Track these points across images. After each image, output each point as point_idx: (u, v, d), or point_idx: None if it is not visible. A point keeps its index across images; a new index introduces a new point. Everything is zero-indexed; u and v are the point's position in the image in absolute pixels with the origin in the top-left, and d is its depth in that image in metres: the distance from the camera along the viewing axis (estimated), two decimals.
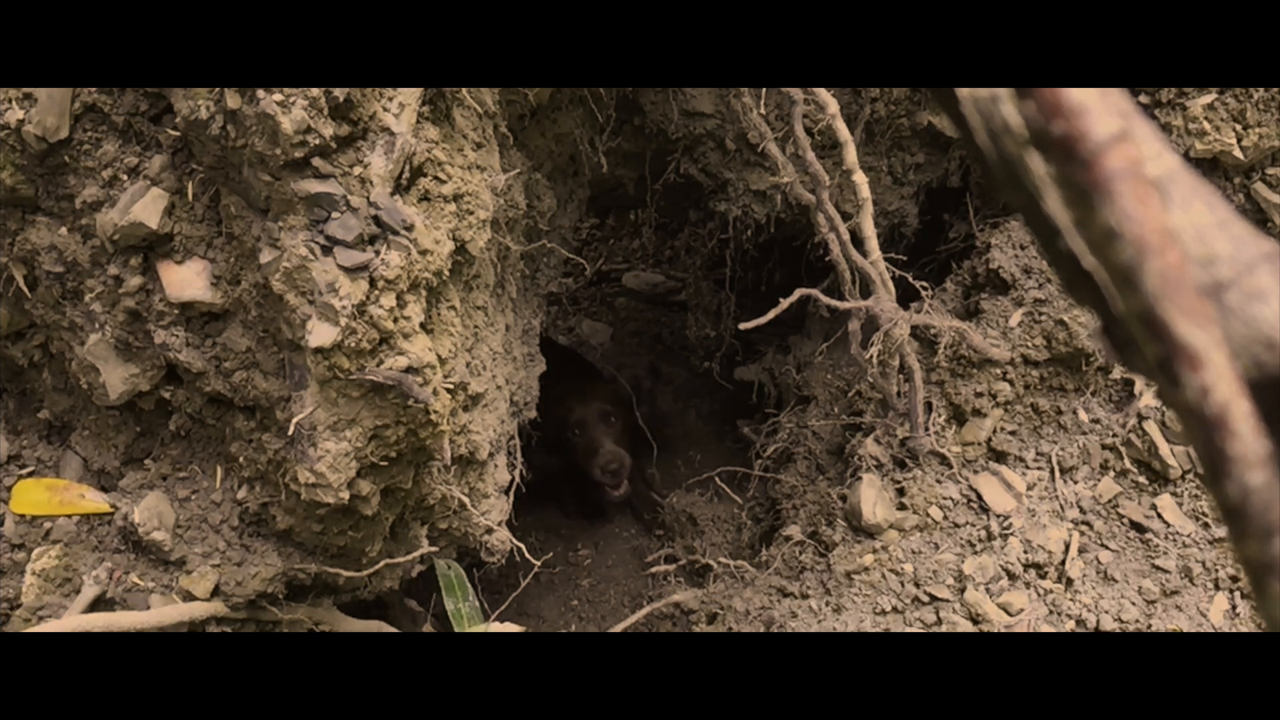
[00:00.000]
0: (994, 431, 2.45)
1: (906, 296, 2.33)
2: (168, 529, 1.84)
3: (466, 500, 1.95)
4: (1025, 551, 2.29)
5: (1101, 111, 0.43)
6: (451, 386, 1.74)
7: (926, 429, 2.42)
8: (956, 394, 2.44)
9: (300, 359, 1.58)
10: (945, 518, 2.37)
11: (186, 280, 1.66)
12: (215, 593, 1.85)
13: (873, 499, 2.39)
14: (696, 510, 3.04)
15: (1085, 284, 0.49)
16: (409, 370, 1.58)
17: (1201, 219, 0.48)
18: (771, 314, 2.18)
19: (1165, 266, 0.42)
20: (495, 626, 2.16)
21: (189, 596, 1.84)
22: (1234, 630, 2.19)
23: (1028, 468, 2.43)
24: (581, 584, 3.02)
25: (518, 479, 2.22)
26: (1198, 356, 0.42)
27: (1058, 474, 2.41)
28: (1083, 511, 2.37)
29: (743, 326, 2.22)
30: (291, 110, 1.41)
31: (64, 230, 1.67)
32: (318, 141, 1.44)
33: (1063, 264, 0.50)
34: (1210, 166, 2.37)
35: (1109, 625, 2.18)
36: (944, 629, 2.20)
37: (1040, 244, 0.51)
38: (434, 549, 2.01)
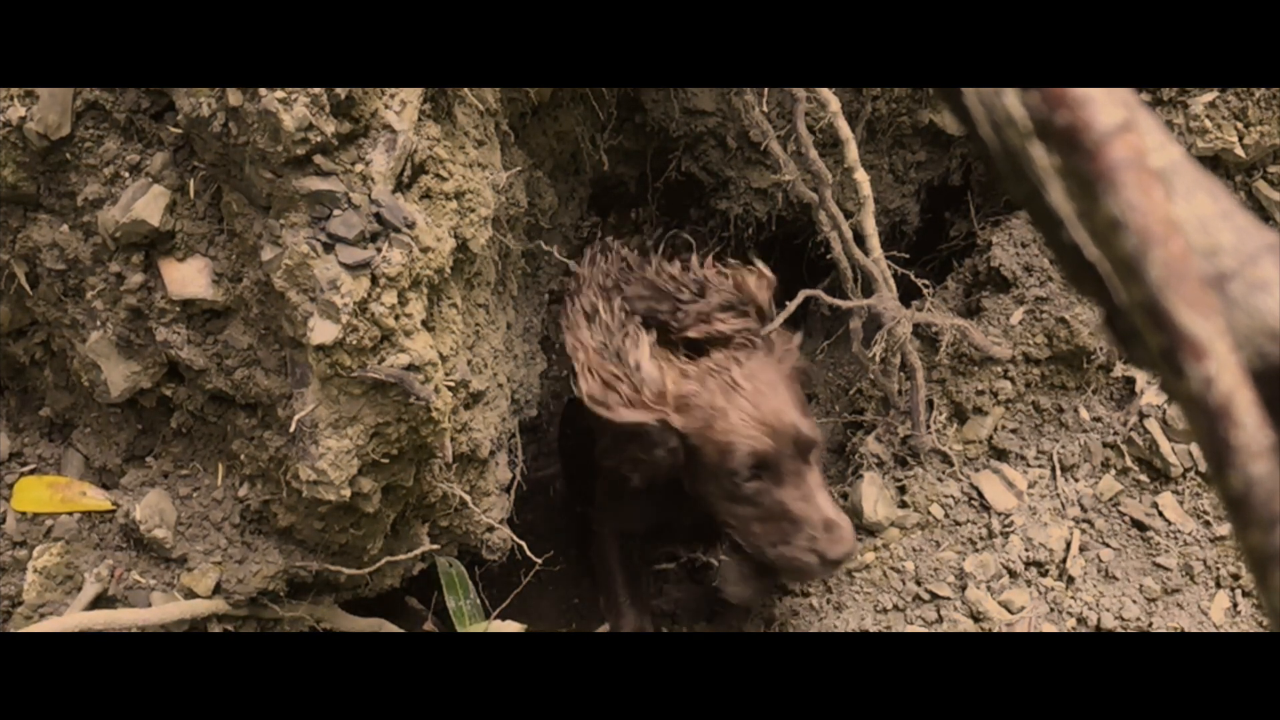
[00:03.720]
0: (995, 429, 2.45)
1: (908, 294, 2.33)
2: (169, 526, 1.84)
3: (468, 498, 1.95)
4: (1026, 549, 2.30)
5: (1105, 102, 0.43)
6: (453, 384, 1.74)
7: (928, 427, 2.42)
8: (958, 392, 2.44)
9: (302, 356, 1.58)
10: (946, 516, 2.37)
11: (188, 278, 1.66)
12: (216, 590, 1.85)
13: (874, 497, 2.39)
14: None
15: (1089, 276, 0.49)
16: (410, 368, 1.58)
17: (1205, 210, 0.48)
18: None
19: (1169, 257, 0.42)
20: (496, 625, 2.17)
21: (190, 594, 1.84)
22: (1235, 627, 2.19)
23: (1029, 466, 2.43)
24: (583, 582, 3.02)
25: (518, 476, 2.23)
26: (1201, 347, 0.42)
27: (1059, 472, 2.41)
28: (1084, 509, 2.37)
29: None
30: (293, 107, 1.41)
31: (65, 228, 1.67)
32: (319, 139, 1.44)
33: (1066, 256, 0.50)
34: (1212, 164, 2.37)
35: (1110, 623, 2.18)
36: (945, 627, 2.20)
37: (1044, 236, 0.51)
38: (435, 547, 2.01)
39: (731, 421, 1.81)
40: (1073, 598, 2.23)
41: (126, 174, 1.61)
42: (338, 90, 1.43)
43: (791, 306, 2.18)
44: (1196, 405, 0.43)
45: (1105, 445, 2.41)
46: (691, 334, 1.99)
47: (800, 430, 1.81)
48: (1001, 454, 2.44)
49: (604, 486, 2.27)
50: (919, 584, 2.27)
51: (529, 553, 2.07)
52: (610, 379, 1.91)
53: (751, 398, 1.83)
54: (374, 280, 1.51)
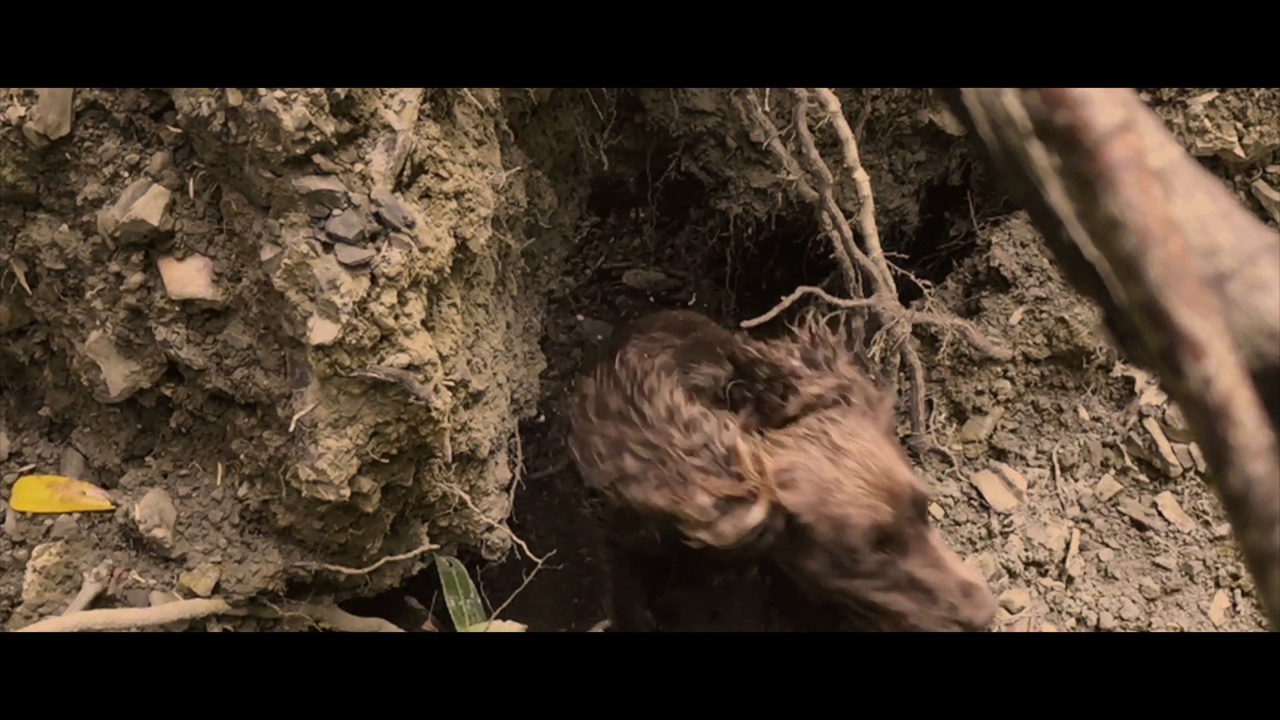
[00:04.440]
0: (995, 429, 2.45)
1: (907, 294, 2.33)
2: (168, 526, 1.84)
3: (467, 498, 1.95)
4: (1026, 549, 2.29)
5: (1104, 102, 0.43)
6: (452, 384, 1.74)
7: (927, 427, 2.42)
8: (957, 392, 2.44)
9: (301, 356, 1.58)
10: (946, 515, 2.37)
11: (188, 277, 1.66)
12: (216, 590, 1.85)
13: None
14: None
15: (1088, 276, 0.49)
16: (410, 367, 1.58)
17: (1204, 209, 0.48)
18: (773, 312, 2.18)
19: (1168, 256, 0.42)
20: (497, 625, 2.17)
21: (190, 593, 1.84)
22: (1234, 627, 2.19)
23: (1028, 465, 2.43)
24: (583, 582, 3.02)
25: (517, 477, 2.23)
26: (1200, 346, 0.42)
27: (1058, 472, 2.41)
28: (1083, 509, 2.37)
29: (744, 325, 2.22)
30: (293, 107, 1.41)
31: (65, 227, 1.67)
32: (319, 138, 1.44)
33: (1065, 256, 0.50)
34: (1211, 164, 2.37)
35: (1109, 623, 2.18)
36: None
37: (1043, 236, 0.51)
38: (434, 547, 2.01)
39: (847, 492, 1.57)
40: (1072, 598, 2.23)
41: (126, 173, 1.61)
42: (337, 90, 1.43)
43: (787, 302, 2.18)
44: (1195, 405, 0.43)
45: (1105, 445, 2.41)
46: (793, 410, 1.68)
47: (916, 489, 1.60)
48: (1001, 454, 2.44)
49: (618, 514, 1.98)
50: None
51: (529, 553, 2.07)
52: (731, 493, 1.60)
53: (861, 461, 1.59)
54: (373, 280, 1.51)
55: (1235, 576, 2.24)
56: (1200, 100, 2.31)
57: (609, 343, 2.41)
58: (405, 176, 1.57)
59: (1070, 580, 2.27)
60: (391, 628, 2.15)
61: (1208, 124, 2.30)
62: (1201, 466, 2.33)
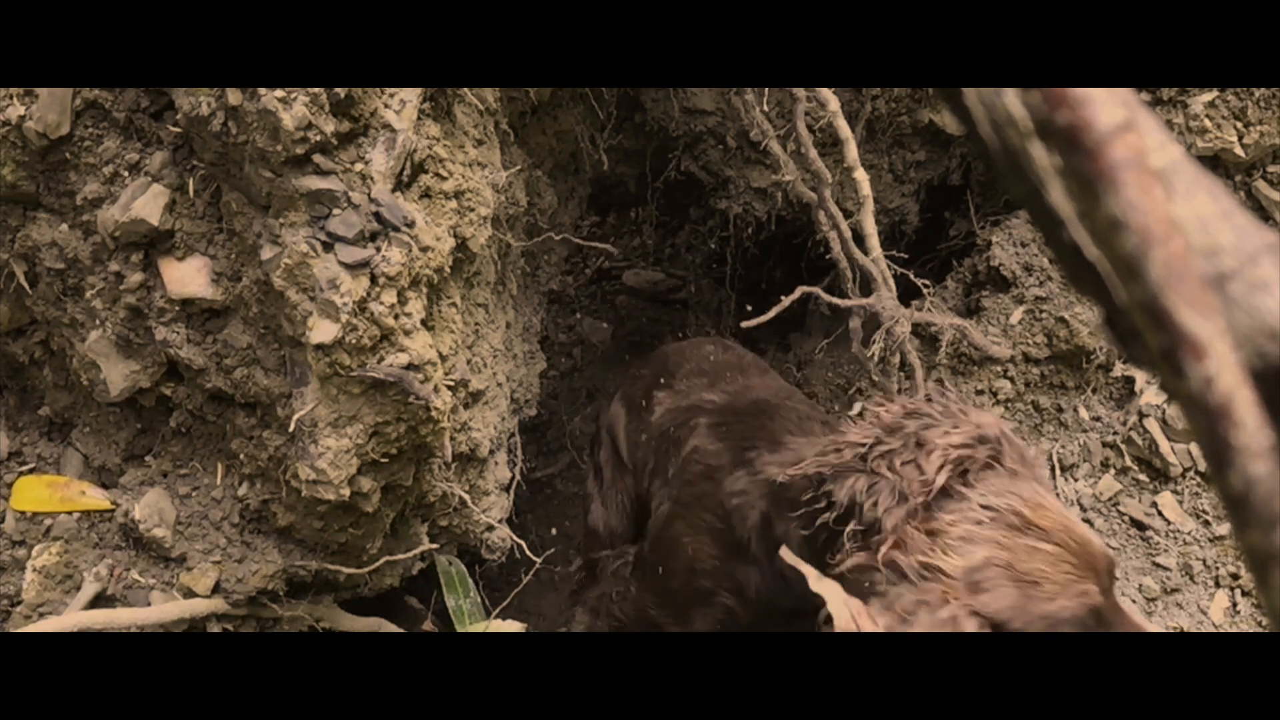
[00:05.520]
0: None
1: (907, 294, 2.33)
2: (168, 526, 1.84)
3: (467, 497, 1.95)
4: None
5: (1105, 101, 0.43)
6: (452, 383, 1.74)
7: None
8: (957, 391, 2.44)
9: (301, 356, 1.58)
10: None
11: (187, 277, 1.66)
12: (216, 589, 1.85)
13: None
14: None
15: (1089, 276, 0.49)
16: (410, 367, 1.58)
17: (1205, 209, 0.48)
18: (773, 312, 2.18)
19: (1169, 256, 0.42)
20: (496, 624, 2.16)
21: (190, 593, 1.84)
22: (1234, 627, 2.19)
23: None
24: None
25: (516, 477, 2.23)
26: (1201, 346, 0.42)
27: (1058, 471, 2.41)
28: (1083, 509, 2.37)
29: (744, 325, 2.22)
30: (293, 106, 1.41)
31: (65, 227, 1.67)
32: (319, 138, 1.44)
33: (1066, 256, 0.50)
34: (1212, 164, 2.37)
35: None
36: None
37: (1043, 236, 0.51)
38: (434, 546, 2.01)
39: (1056, 580, 1.30)
40: None
41: (126, 173, 1.61)
42: (337, 90, 1.43)
43: (786, 301, 2.18)
44: (1196, 405, 0.43)
45: (1105, 445, 2.41)
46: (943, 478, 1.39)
47: (1109, 557, 1.35)
48: None
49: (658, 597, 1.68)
50: None
51: (529, 552, 2.07)
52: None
53: (1060, 540, 1.32)
54: (373, 279, 1.51)
55: (1235, 576, 2.24)
56: (1200, 100, 2.31)
57: (626, 387, 2.23)
58: (405, 176, 1.57)
59: None
60: (391, 627, 2.15)
61: (1208, 124, 2.30)
62: (1201, 466, 2.33)
